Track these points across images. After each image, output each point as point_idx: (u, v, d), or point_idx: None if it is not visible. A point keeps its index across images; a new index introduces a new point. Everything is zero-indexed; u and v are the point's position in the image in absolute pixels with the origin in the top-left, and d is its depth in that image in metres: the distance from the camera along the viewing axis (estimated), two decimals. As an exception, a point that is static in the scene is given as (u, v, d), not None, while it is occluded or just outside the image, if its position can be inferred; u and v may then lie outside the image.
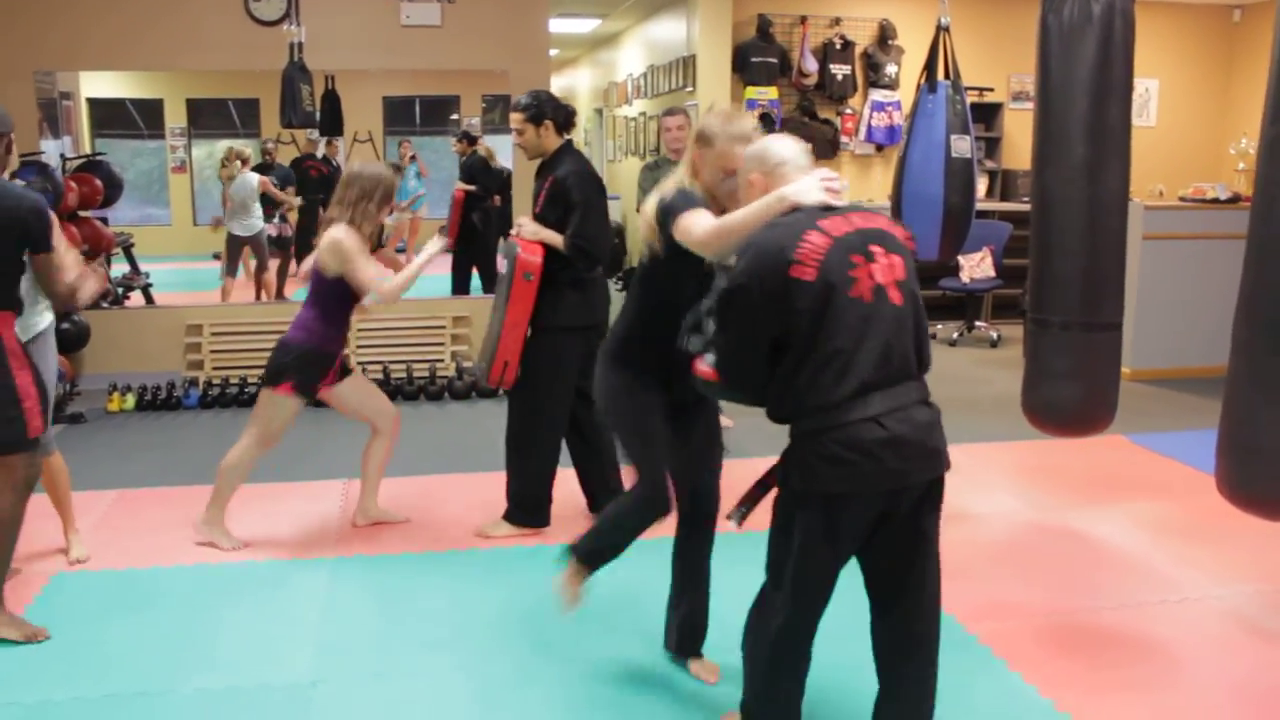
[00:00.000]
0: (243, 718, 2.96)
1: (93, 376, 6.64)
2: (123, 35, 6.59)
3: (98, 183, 6.56)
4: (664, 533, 3.09)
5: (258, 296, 8.99)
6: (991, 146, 9.54)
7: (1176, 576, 3.90)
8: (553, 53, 11.88)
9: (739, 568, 3.01)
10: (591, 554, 3.09)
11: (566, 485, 4.38)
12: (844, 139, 9.32)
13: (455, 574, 3.92)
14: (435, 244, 4.17)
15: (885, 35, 9.11)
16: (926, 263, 5.11)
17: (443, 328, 6.97)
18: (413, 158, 10.45)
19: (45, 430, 3.44)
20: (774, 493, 2.49)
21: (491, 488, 4.52)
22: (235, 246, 8.81)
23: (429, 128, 11.95)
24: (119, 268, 8.01)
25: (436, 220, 9.66)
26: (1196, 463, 5.04)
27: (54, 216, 3.54)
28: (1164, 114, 9.79)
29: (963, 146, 4.76)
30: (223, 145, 10.52)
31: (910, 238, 2.45)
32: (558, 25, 10.71)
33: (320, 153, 9.61)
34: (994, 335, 8.42)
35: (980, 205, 6.97)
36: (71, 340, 6.12)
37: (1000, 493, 4.84)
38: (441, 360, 6.90)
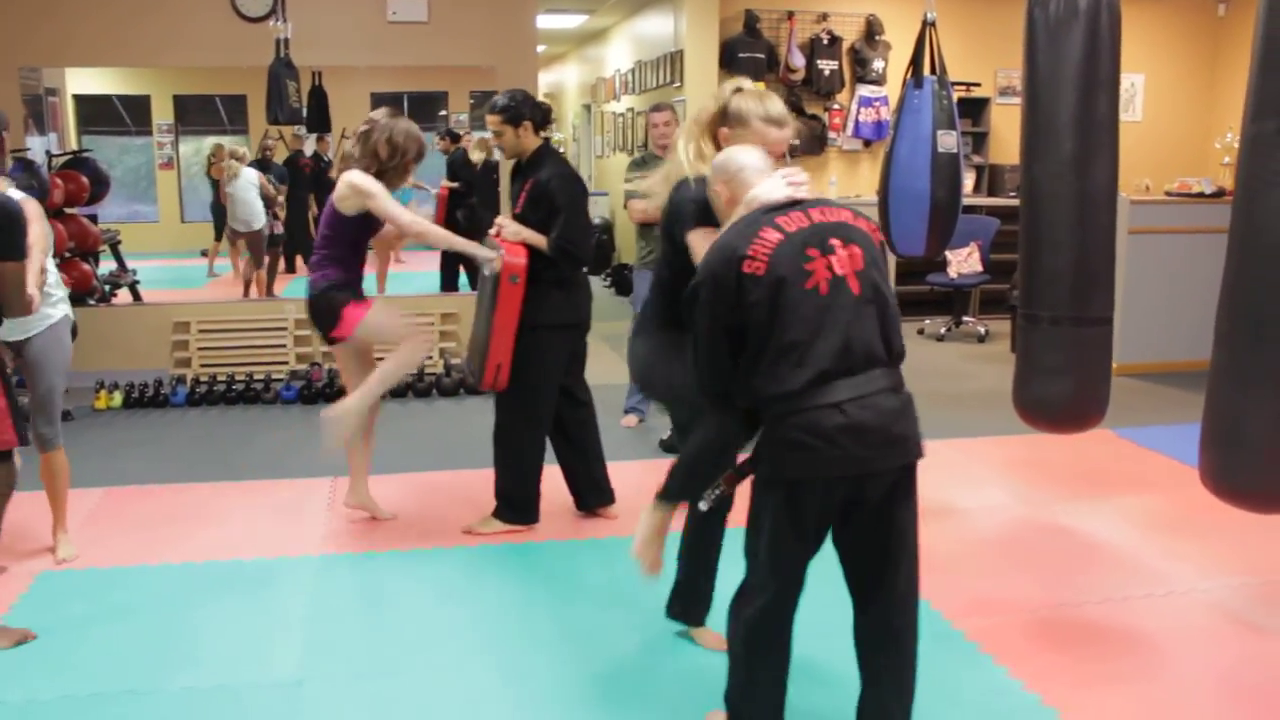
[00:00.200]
0: (230, 716, 2.95)
1: (80, 374, 6.57)
2: (108, 31, 6.56)
3: (84, 179, 6.54)
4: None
5: (246, 293, 8.96)
6: (978, 141, 9.56)
7: (1163, 570, 3.92)
8: (540, 48, 11.86)
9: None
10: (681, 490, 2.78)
11: (552, 482, 4.38)
12: (831, 134, 9.34)
13: (443, 572, 3.91)
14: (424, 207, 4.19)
15: (872, 31, 9.12)
16: (913, 258, 5.16)
17: (431, 325, 6.96)
18: None
19: (17, 443, 3.40)
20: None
21: (479, 485, 4.52)
22: (235, 241, 8.86)
23: (418, 124, 11.92)
24: (106, 265, 7.98)
25: (424, 215, 9.63)
26: (1182, 456, 5.06)
27: (31, 212, 3.54)
28: (1150, 108, 9.83)
29: (949, 141, 4.77)
30: (210, 142, 10.46)
31: (875, 229, 2.49)
32: (545, 21, 10.70)
33: (311, 149, 9.58)
34: (981, 330, 8.44)
35: (967, 200, 6.97)
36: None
37: (987, 487, 4.85)
38: (430, 357, 6.89)
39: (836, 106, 9.28)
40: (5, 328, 3.56)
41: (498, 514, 4.27)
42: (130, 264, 8.10)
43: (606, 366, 4.32)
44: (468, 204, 8.33)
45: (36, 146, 6.66)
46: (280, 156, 9.54)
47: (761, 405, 2.40)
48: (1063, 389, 3.79)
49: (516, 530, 4.25)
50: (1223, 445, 3.00)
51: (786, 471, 2.36)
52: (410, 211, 4.22)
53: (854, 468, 2.33)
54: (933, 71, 4.82)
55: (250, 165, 8.95)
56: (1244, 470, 2.97)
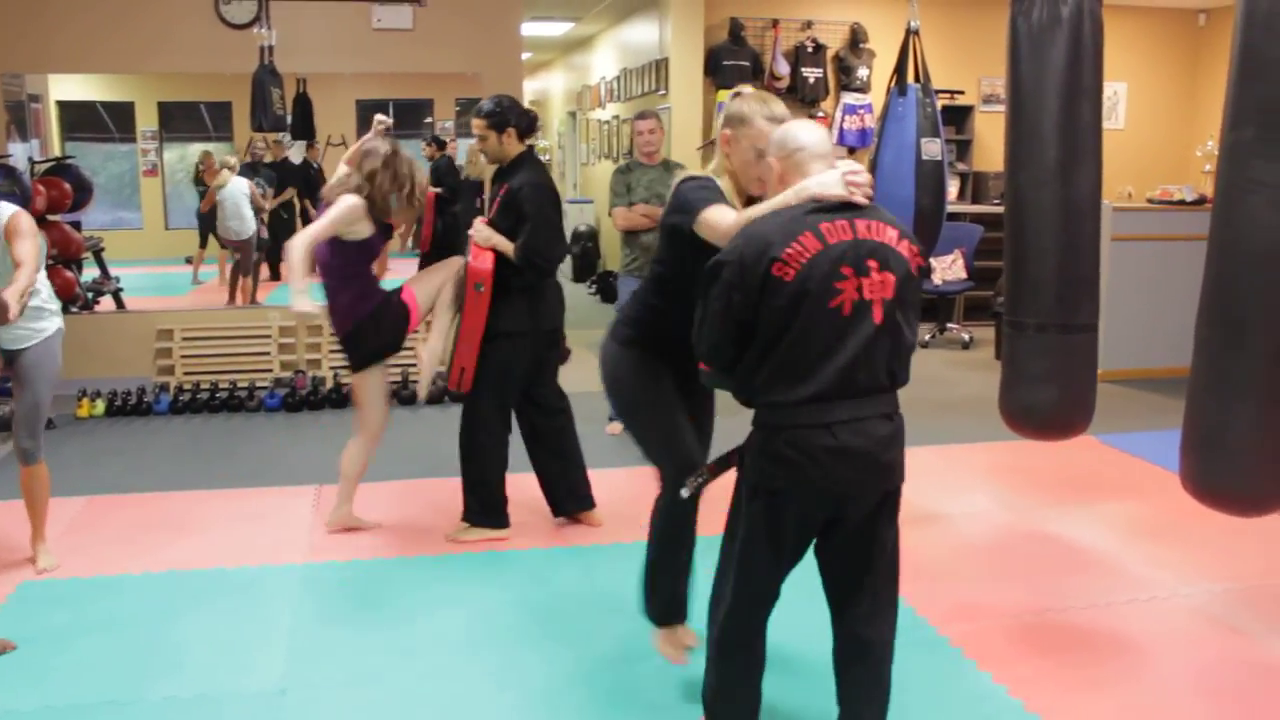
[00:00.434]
0: (212, 725, 2.94)
1: (62, 382, 6.49)
2: (92, 38, 6.53)
3: (66, 186, 6.51)
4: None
5: (231, 299, 8.93)
6: (962, 149, 9.60)
7: (1146, 575, 3.93)
8: (526, 56, 11.87)
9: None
10: (660, 608, 3.14)
11: (532, 490, 4.38)
12: (817, 142, 9.33)
13: (427, 579, 3.90)
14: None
15: (856, 38, 9.15)
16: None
17: (415, 333, 6.92)
18: None
19: None
20: (733, 473, 2.52)
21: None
22: (226, 248, 8.86)
23: (403, 131, 11.90)
24: (90, 272, 7.94)
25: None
26: (1164, 462, 5.08)
27: (24, 226, 3.51)
28: (1132, 117, 9.89)
29: (933, 149, 4.79)
30: (195, 149, 10.43)
31: (916, 252, 2.41)
32: (531, 28, 10.71)
33: (300, 157, 9.55)
34: (966, 337, 8.47)
35: (951, 208, 7.01)
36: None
37: (972, 493, 4.87)
38: (414, 365, 6.87)
39: (821, 114, 9.30)
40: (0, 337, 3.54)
41: (468, 519, 4.27)
42: (114, 271, 8.06)
43: (589, 374, 4.32)
44: (451, 211, 8.32)
45: (19, 153, 6.62)
46: (271, 160, 9.53)
47: (755, 406, 2.39)
48: (1048, 396, 3.80)
49: (499, 537, 4.24)
50: (1203, 450, 3.01)
51: (769, 482, 2.36)
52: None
53: (836, 489, 2.33)
54: (917, 79, 4.84)
55: (240, 172, 8.94)
56: (1224, 474, 2.99)
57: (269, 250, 9.05)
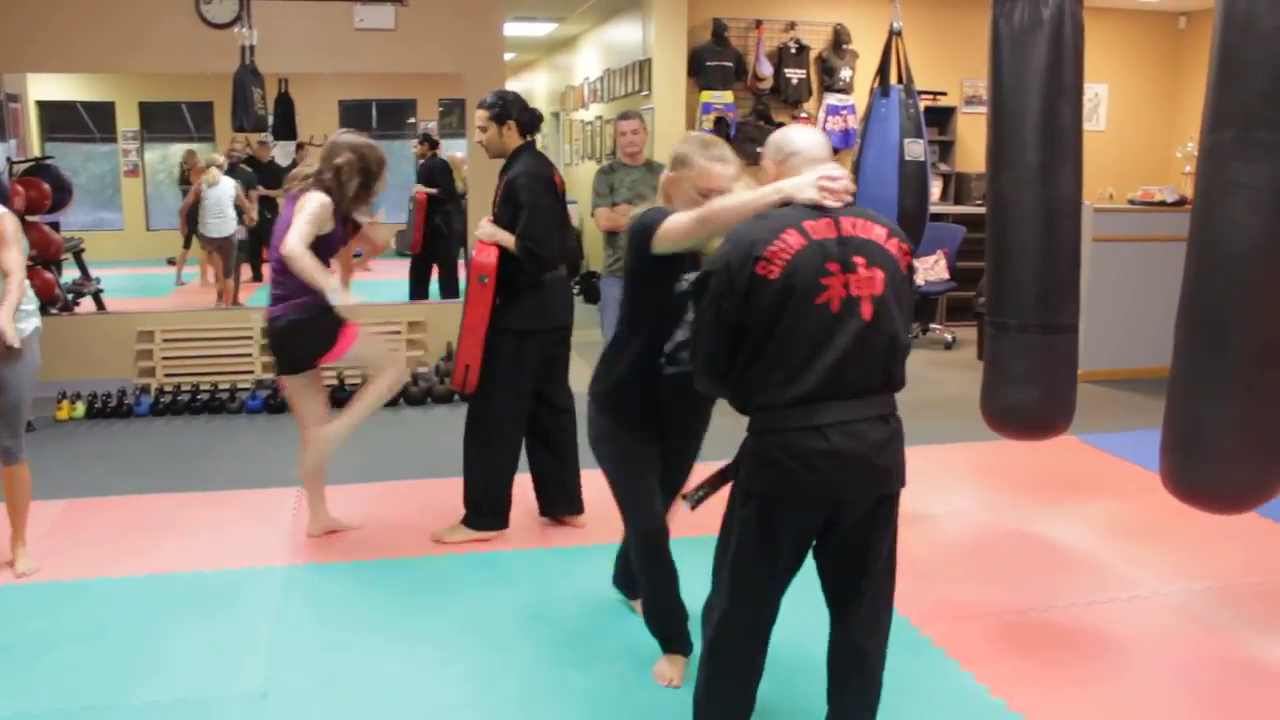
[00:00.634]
0: (193, 730, 2.92)
1: (42, 384, 6.45)
2: (70, 36, 6.48)
3: (45, 187, 6.46)
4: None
5: (220, 299, 8.88)
6: (945, 150, 9.63)
7: (1127, 575, 3.95)
8: (509, 56, 11.85)
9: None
10: (662, 628, 3.16)
11: (518, 490, 4.37)
12: (800, 143, 9.34)
13: (409, 582, 3.89)
14: None
15: (839, 40, 9.17)
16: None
17: (398, 333, 6.92)
18: None
19: None
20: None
21: (447, 493, 4.50)
22: (207, 249, 8.79)
23: (386, 131, 11.86)
24: (69, 273, 7.88)
25: (394, 225, 9.59)
26: (1145, 462, 5.11)
27: (8, 231, 3.48)
28: (1113, 118, 9.94)
29: (916, 150, 4.80)
30: (176, 149, 10.39)
31: (907, 251, 2.41)
32: (514, 29, 10.69)
33: (289, 159, 9.51)
34: (948, 337, 8.50)
35: (934, 208, 7.04)
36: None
37: (954, 493, 4.88)
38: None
39: (804, 115, 9.31)
40: None
41: (467, 521, 4.24)
42: (95, 272, 8.00)
43: (574, 374, 4.31)
44: (444, 210, 8.31)
45: (-3, 153, 6.57)
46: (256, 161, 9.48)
47: (747, 409, 2.38)
48: (1030, 396, 3.82)
49: (484, 539, 4.23)
50: (1183, 449, 3.03)
51: (761, 488, 2.34)
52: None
53: (828, 493, 2.31)
54: (899, 80, 4.85)
55: (228, 171, 8.91)
56: (1203, 473, 3.00)
57: (250, 251, 9.01)
